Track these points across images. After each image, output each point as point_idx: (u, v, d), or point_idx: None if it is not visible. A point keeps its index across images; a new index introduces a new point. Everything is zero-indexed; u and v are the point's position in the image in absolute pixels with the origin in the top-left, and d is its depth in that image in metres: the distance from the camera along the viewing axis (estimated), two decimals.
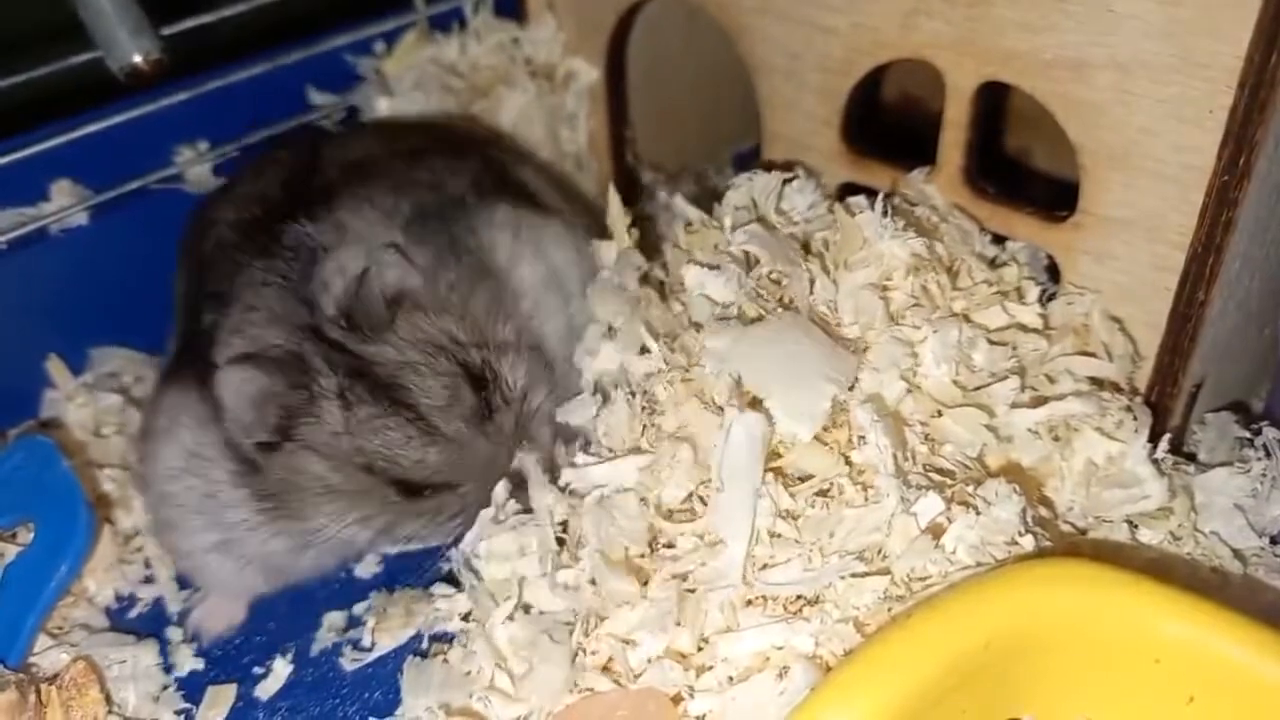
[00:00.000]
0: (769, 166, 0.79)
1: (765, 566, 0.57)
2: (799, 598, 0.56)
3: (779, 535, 0.57)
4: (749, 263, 0.66)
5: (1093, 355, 0.67)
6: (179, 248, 0.76)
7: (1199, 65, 0.59)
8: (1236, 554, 0.63)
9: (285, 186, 0.72)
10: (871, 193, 0.75)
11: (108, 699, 0.61)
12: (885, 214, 0.66)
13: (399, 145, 0.77)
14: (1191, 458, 0.69)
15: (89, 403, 0.80)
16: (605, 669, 0.56)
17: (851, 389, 0.61)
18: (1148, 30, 0.61)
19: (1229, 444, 0.69)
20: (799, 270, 0.64)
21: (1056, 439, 0.63)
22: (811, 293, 0.64)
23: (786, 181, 0.76)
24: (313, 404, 0.61)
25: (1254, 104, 0.58)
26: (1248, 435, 0.68)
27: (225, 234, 0.70)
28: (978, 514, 0.55)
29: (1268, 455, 0.66)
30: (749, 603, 0.56)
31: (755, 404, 0.59)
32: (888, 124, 0.93)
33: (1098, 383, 0.67)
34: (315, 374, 0.61)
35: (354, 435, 0.60)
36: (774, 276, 0.65)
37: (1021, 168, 1.01)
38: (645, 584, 0.57)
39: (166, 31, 0.77)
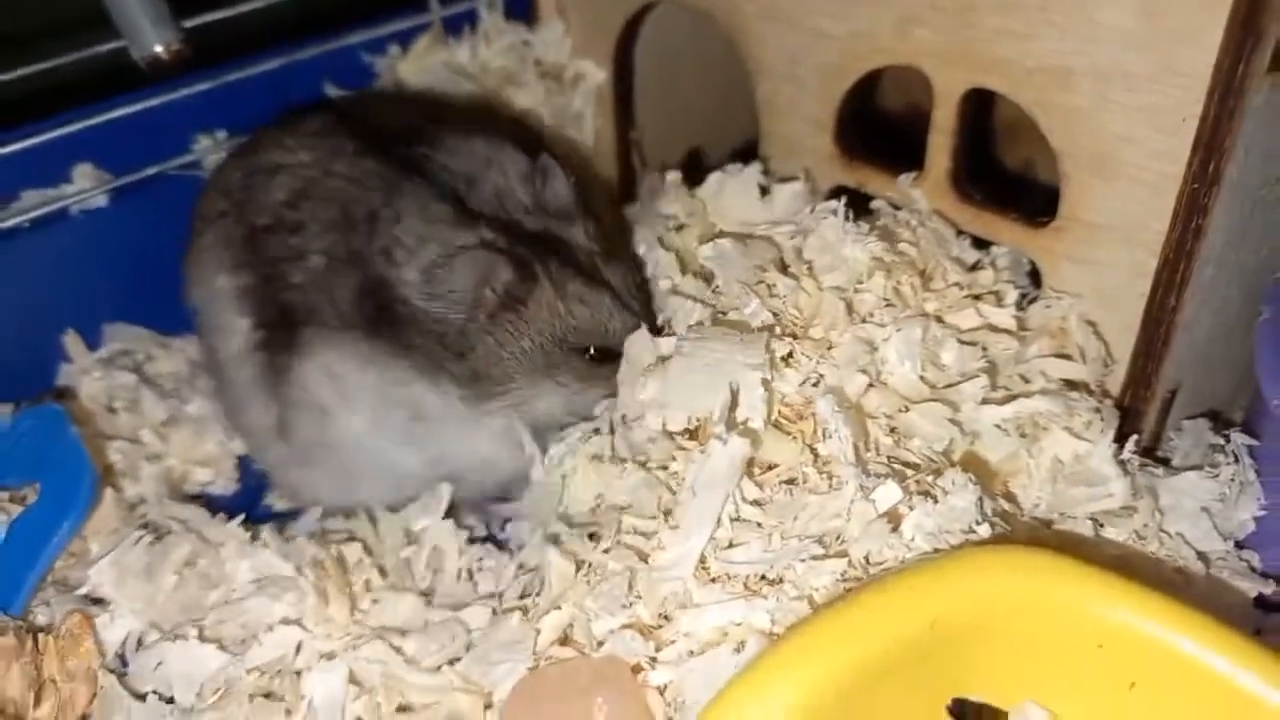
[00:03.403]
0: (765, 169, 0.81)
1: (730, 546, 0.58)
2: (762, 578, 0.58)
3: (742, 519, 0.59)
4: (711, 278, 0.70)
5: (1069, 358, 0.69)
6: (204, 217, 0.77)
7: (1175, 74, 0.61)
8: (1201, 556, 0.64)
9: (357, 131, 0.74)
10: (861, 197, 0.78)
11: (101, 651, 0.64)
12: (848, 218, 0.68)
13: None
14: (1166, 462, 0.70)
15: (103, 378, 0.83)
16: (566, 639, 0.58)
17: (816, 385, 0.63)
18: (1127, 39, 0.62)
19: (1203, 450, 0.70)
20: (767, 276, 0.67)
21: (1024, 436, 0.64)
22: (781, 297, 0.66)
23: (783, 181, 0.79)
24: (529, 283, 0.67)
25: (1223, 111, 0.59)
26: (1221, 442, 0.69)
27: (312, 174, 0.72)
28: (935, 502, 0.57)
29: (1237, 461, 0.67)
30: (712, 580, 0.58)
31: (705, 426, 0.62)
32: (895, 133, 0.95)
33: (1072, 385, 0.68)
34: (528, 259, 0.67)
35: (565, 306, 0.67)
36: (732, 290, 0.68)
37: (1026, 180, 1.02)
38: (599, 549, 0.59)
39: (188, 24, 0.81)
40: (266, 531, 0.68)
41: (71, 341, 0.84)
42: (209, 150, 0.86)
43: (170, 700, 0.61)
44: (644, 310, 0.71)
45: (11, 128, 0.78)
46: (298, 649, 0.61)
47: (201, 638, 0.62)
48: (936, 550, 0.56)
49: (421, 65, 0.94)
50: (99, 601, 0.64)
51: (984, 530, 0.57)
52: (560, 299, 0.67)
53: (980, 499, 0.57)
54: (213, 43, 0.83)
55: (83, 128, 0.81)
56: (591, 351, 0.69)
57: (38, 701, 0.61)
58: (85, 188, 0.82)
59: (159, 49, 0.78)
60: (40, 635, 0.62)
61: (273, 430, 0.72)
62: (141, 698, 0.62)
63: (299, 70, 0.89)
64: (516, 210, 0.70)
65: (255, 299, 0.71)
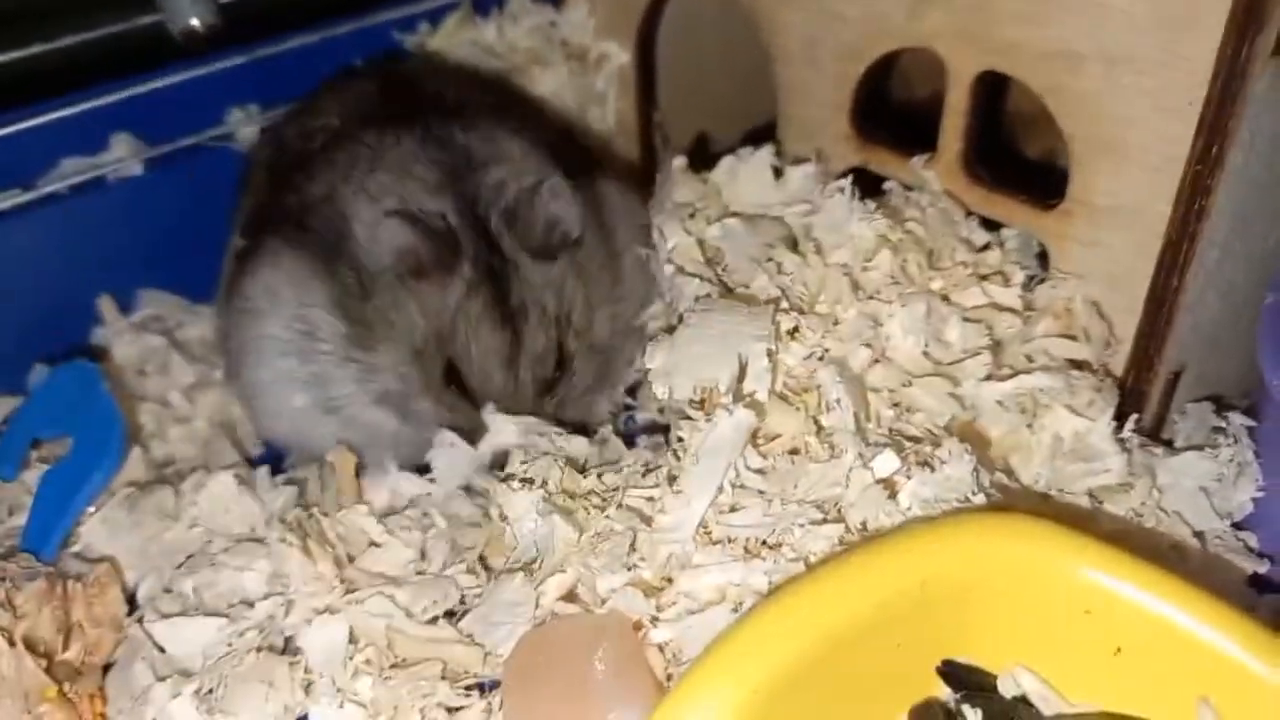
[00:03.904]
0: (781, 151, 0.83)
1: (732, 510, 0.60)
2: (762, 542, 0.60)
3: (744, 486, 0.61)
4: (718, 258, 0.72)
5: (1074, 339, 0.70)
6: (252, 158, 0.83)
7: (1180, 58, 0.62)
8: (1197, 534, 0.65)
9: (394, 100, 0.77)
10: (876, 179, 0.79)
11: (126, 600, 0.66)
12: (856, 197, 0.70)
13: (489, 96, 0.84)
14: (1169, 444, 0.71)
15: (135, 341, 0.86)
16: (571, 596, 0.60)
17: (821, 358, 0.64)
18: (1134, 23, 0.63)
19: (1206, 433, 0.71)
20: (775, 254, 0.69)
21: (1024, 412, 0.66)
22: (788, 273, 0.68)
23: (797, 163, 0.80)
24: (445, 272, 0.67)
25: (1226, 95, 0.60)
26: (1223, 424, 0.70)
27: (341, 126, 0.76)
28: (932, 471, 0.58)
29: (1237, 442, 0.68)
30: (714, 543, 0.60)
31: (711, 396, 0.64)
32: (913, 118, 0.96)
33: (1077, 365, 0.69)
34: (463, 256, 0.67)
35: (459, 317, 0.67)
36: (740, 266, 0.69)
37: (1046, 167, 1.03)
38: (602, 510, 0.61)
39: None
40: (239, 485, 0.70)
41: (106, 305, 0.87)
42: (242, 123, 0.89)
43: None
44: (535, 390, 0.69)
45: (52, 97, 0.81)
46: (288, 608, 0.62)
47: (191, 606, 0.64)
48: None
49: (450, 43, 0.96)
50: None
51: (980, 500, 0.58)
52: (460, 313, 0.67)
53: (976, 469, 0.59)
54: (247, 18, 0.85)
55: (121, 98, 0.83)
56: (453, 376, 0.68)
57: (65, 644, 0.63)
58: (122, 156, 0.84)
59: (195, 23, 0.81)
60: (69, 582, 0.65)
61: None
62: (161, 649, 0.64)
63: (331, 46, 0.91)
64: (497, 209, 0.69)
65: (250, 217, 0.76)
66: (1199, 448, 0.68)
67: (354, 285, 0.69)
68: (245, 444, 0.84)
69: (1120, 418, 0.67)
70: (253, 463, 0.81)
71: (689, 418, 0.64)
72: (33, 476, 0.72)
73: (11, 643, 0.60)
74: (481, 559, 0.64)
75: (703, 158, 0.84)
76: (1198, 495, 0.66)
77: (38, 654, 0.61)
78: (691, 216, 0.77)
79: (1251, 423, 0.68)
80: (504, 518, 0.63)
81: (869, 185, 0.77)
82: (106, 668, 0.64)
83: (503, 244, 0.69)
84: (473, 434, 0.68)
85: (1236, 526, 0.66)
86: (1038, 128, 1.01)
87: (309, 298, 0.70)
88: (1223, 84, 0.60)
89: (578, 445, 0.67)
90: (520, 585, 0.61)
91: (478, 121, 0.75)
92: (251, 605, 0.62)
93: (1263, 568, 0.64)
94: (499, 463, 0.67)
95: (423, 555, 0.64)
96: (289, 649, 0.61)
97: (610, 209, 0.77)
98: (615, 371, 0.76)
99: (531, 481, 0.62)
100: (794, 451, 0.63)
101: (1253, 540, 0.66)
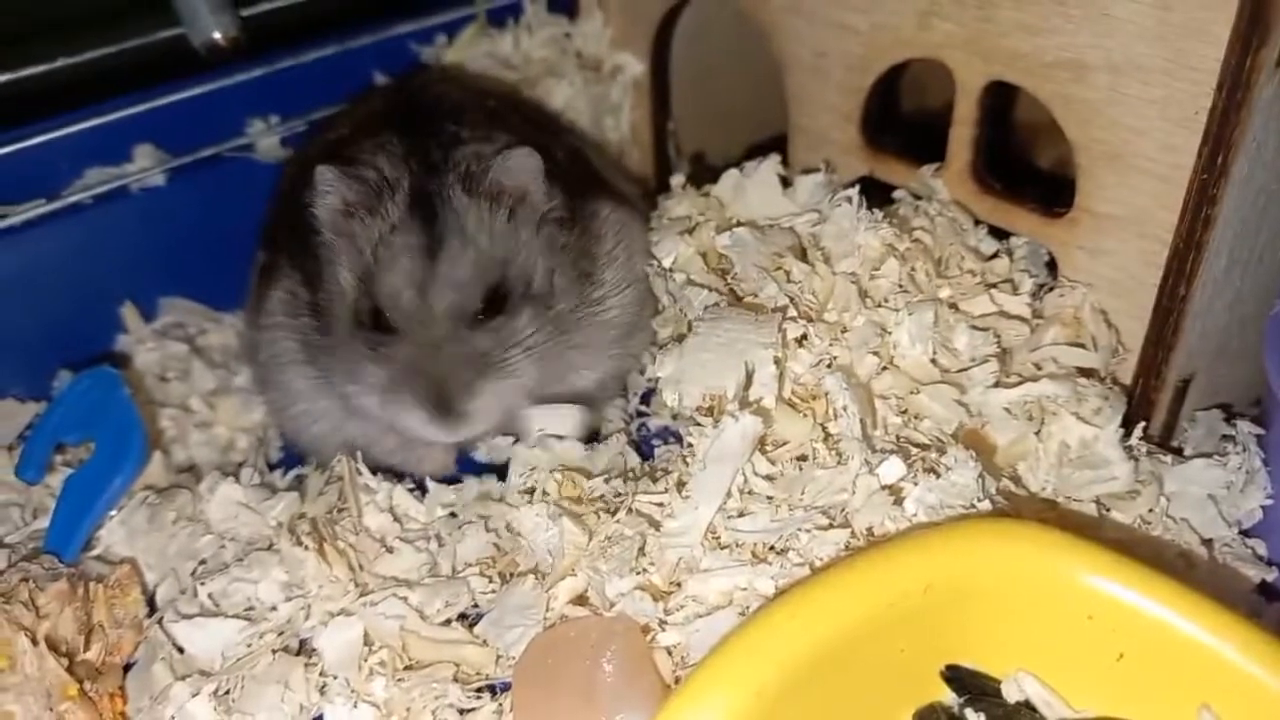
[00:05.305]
0: (789, 161, 0.84)
1: (740, 515, 0.61)
2: (770, 547, 0.60)
3: (752, 492, 0.62)
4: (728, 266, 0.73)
5: (1082, 346, 0.70)
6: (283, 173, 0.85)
7: (1186, 68, 0.62)
8: (1205, 542, 0.65)
9: (403, 111, 0.78)
10: (887, 188, 0.80)
11: (147, 601, 0.68)
12: (863, 206, 0.71)
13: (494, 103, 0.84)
14: (1179, 452, 0.71)
15: (157, 348, 0.87)
16: (581, 599, 0.61)
17: (829, 366, 0.65)
18: (1140, 33, 0.64)
19: (1216, 441, 0.71)
20: (784, 262, 0.69)
21: (1031, 420, 0.66)
22: (796, 282, 0.69)
23: (806, 173, 0.81)
24: (369, 213, 0.68)
25: (1231, 105, 0.60)
26: (1232, 432, 0.70)
27: (349, 135, 0.78)
28: (938, 477, 0.59)
29: (1245, 450, 0.68)
30: (722, 547, 0.60)
31: (720, 404, 0.65)
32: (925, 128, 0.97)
33: (1085, 373, 0.69)
34: (390, 200, 0.68)
35: (381, 251, 0.66)
36: (749, 275, 0.70)
37: (1057, 176, 1.04)
38: (612, 514, 0.62)
39: (245, 12, 0.86)
40: (249, 490, 0.72)
41: (129, 313, 0.88)
42: (262, 134, 0.90)
43: None
44: (450, 316, 0.66)
45: (77, 109, 0.83)
46: (306, 613, 0.63)
47: (209, 609, 0.65)
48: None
49: (466, 55, 0.97)
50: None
51: (985, 507, 0.59)
52: (382, 246, 0.66)
53: (982, 475, 0.59)
54: (267, 31, 0.87)
55: (144, 110, 0.85)
56: (379, 320, 0.67)
57: (87, 644, 0.64)
58: (145, 167, 0.86)
59: (217, 35, 0.83)
60: (91, 583, 0.66)
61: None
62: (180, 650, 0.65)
63: (350, 58, 0.92)
64: (454, 161, 0.69)
65: (270, 232, 0.79)
66: (1207, 455, 0.68)
67: (314, 275, 0.71)
68: (265, 448, 0.85)
69: (1128, 425, 0.67)
70: (272, 467, 0.82)
71: (698, 424, 0.65)
72: (56, 480, 0.74)
73: (34, 642, 0.61)
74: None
75: (712, 172, 0.84)
76: (1206, 503, 0.66)
77: (59, 653, 0.62)
78: (691, 231, 0.78)
79: (1260, 431, 0.69)
80: (511, 529, 0.64)
81: (881, 195, 0.78)
82: (127, 667, 0.65)
83: (445, 186, 0.68)
84: (401, 373, 0.66)
85: (1245, 534, 0.66)
86: (1049, 136, 1.01)
87: (299, 306, 0.72)
88: (1228, 94, 0.60)
89: (571, 450, 0.67)
90: (531, 589, 0.62)
91: (479, 124, 0.76)
92: (269, 608, 0.63)
93: (1271, 575, 0.65)
94: None
95: (435, 561, 0.65)
96: (304, 650, 0.63)
97: (602, 220, 0.76)
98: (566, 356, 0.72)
99: (532, 492, 0.63)
100: (801, 458, 0.63)
101: (1261, 548, 0.66)
